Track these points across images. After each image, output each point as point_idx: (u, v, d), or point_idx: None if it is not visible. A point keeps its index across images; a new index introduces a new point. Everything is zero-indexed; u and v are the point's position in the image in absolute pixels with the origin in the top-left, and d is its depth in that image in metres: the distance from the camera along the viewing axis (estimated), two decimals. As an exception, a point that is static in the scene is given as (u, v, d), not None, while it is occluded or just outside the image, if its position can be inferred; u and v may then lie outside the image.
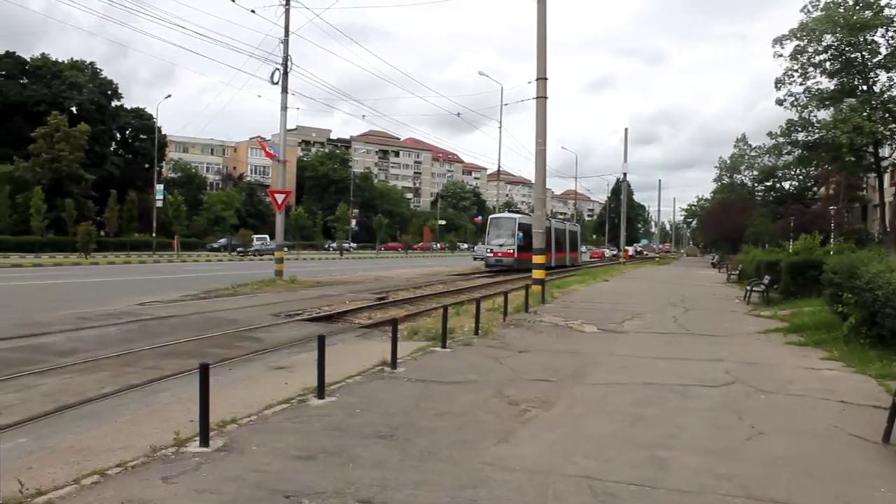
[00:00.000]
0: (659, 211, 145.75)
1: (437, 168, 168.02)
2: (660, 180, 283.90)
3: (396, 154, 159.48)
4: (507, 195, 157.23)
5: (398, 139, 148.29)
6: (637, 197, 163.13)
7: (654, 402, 8.08)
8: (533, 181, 25.17)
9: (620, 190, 79.40)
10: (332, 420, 6.83)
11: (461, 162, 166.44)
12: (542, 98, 21.35)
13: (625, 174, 67.07)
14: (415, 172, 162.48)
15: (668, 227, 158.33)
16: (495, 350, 11.72)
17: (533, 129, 21.64)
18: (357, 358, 10.44)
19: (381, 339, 13.04)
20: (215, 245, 73.12)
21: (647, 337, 14.06)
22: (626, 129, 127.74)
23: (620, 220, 70.54)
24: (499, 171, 66.00)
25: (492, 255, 43.92)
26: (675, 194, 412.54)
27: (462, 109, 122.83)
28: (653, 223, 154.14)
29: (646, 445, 6.23)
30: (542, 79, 21.34)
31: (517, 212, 52.73)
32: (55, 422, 7.14)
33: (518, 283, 26.16)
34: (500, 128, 61.99)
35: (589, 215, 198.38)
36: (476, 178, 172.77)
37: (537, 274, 21.21)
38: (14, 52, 71.83)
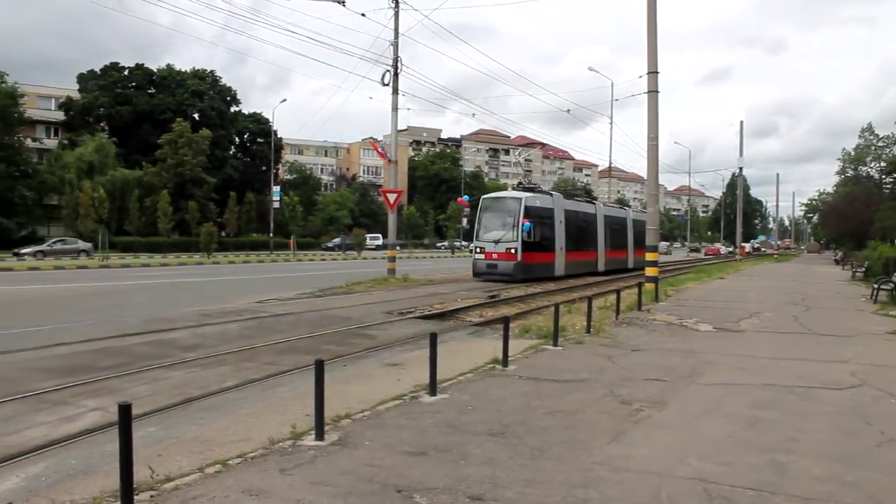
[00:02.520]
0: (777, 206, 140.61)
1: (547, 165, 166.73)
2: (778, 174, 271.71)
3: (507, 152, 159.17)
4: (618, 192, 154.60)
5: (508, 137, 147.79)
6: (754, 192, 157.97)
7: (773, 404, 7.77)
8: (644, 177, 24.71)
9: (736, 185, 76.78)
10: (443, 417, 6.89)
11: (572, 159, 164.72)
12: (653, 92, 21.00)
13: (740, 168, 64.77)
14: (525, 170, 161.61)
15: (786, 223, 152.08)
16: (607, 348, 11.55)
17: (644, 124, 21.33)
18: (468, 355, 10.51)
19: (493, 336, 13.07)
20: (330, 245, 74.95)
21: (766, 336, 13.54)
22: (741, 122, 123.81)
23: (736, 215, 68.29)
24: (610, 167, 65.00)
25: (482, 256, 28.12)
26: (795, 189, 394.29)
27: (572, 106, 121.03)
28: (770, 219, 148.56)
29: (764, 449, 5.99)
30: (653, 73, 20.97)
31: (528, 189, 31.49)
32: (181, 413, 7.53)
33: (630, 280, 25.74)
34: (611, 123, 60.96)
35: (703, 211, 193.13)
36: (587, 175, 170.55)
37: (650, 271, 20.90)
38: (143, 65, 75.96)
